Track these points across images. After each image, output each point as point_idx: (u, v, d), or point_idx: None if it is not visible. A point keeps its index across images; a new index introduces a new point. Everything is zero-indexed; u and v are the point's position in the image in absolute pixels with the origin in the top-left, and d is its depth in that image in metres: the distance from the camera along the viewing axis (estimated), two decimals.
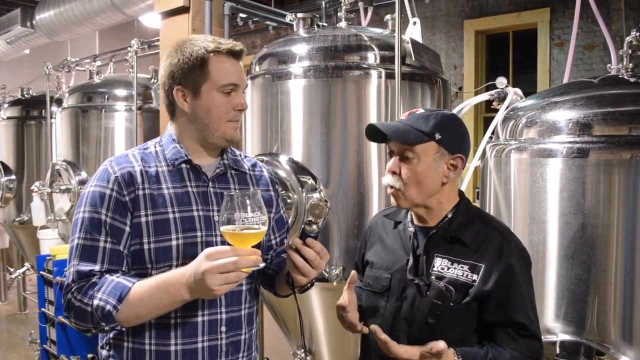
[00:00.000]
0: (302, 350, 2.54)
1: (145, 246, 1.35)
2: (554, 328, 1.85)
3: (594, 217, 1.79)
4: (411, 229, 1.52)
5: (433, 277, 1.42)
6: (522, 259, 1.43)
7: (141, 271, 1.37)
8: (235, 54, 1.42)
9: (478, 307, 1.39)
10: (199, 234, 1.39)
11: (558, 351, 1.81)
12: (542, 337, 1.81)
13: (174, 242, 1.36)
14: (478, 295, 1.38)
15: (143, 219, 1.36)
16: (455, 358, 1.32)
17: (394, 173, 1.46)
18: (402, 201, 1.47)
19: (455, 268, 1.41)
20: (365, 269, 1.63)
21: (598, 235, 1.78)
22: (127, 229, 1.35)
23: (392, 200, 1.49)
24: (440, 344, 1.28)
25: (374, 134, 1.51)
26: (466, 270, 1.40)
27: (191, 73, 1.38)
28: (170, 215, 1.37)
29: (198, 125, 1.42)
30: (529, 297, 1.41)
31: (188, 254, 1.35)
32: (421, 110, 1.49)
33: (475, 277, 1.38)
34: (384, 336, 1.35)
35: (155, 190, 1.38)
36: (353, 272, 1.48)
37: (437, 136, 1.42)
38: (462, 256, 1.42)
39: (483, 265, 1.39)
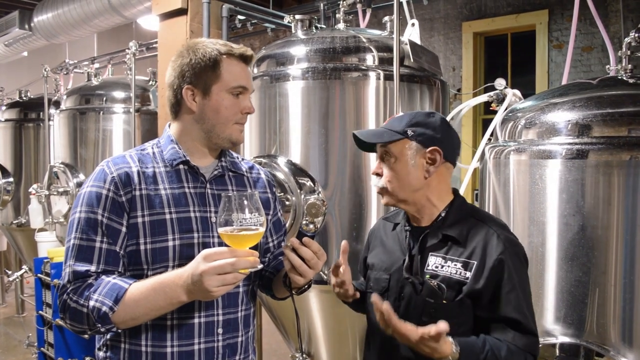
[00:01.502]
0: (301, 352, 2.53)
1: (142, 247, 1.35)
2: (554, 330, 1.84)
3: (593, 218, 1.78)
4: (407, 228, 1.55)
5: (427, 276, 1.43)
6: (515, 254, 1.43)
7: (137, 272, 1.36)
8: (246, 59, 1.45)
9: (472, 304, 1.39)
10: (195, 235, 1.38)
11: (558, 353, 1.81)
12: (542, 339, 1.81)
13: (170, 243, 1.36)
14: (470, 292, 1.38)
15: (139, 220, 1.35)
16: (453, 346, 1.29)
17: (377, 175, 1.53)
18: (387, 198, 1.53)
19: (448, 266, 1.42)
20: (366, 273, 1.65)
21: (597, 236, 1.78)
22: (124, 229, 1.35)
23: (382, 198, 1.55)
24: (441, 326, 1.23)
25: (362, 143, 1.57)
26: (459, 268, 1.41)
27: (203, 73, 1.40)
28: (167, 216, 1.37)
29: (205, 125, 1.43)
30: (522, 292, 1.40)
31: (184, 255, 1.35)
32: (401, 114, 1.57)
33: (468, 274, 1.39)
34: (385, 307, 1.29)
35: (152, 191, 1.38)
36: (344, 242, 1.51)
37: (409, 132, 1.47)
38: (455, 254, 1.43)
39: (475, 262, 1.39)
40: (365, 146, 1.58)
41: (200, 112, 1.42)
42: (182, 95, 1.42)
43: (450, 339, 1.30)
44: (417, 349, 1.27)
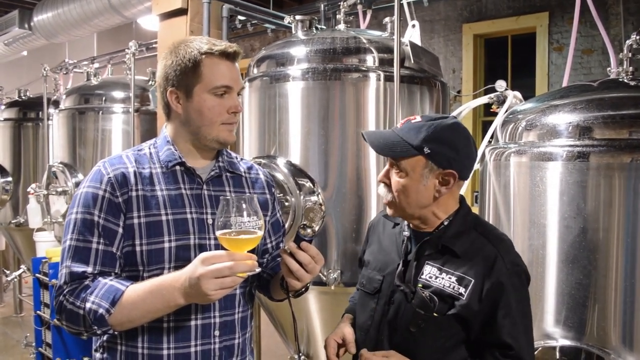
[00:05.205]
0: (299, 354, 2.52)
1: (138, 248, 1.34)
2: (554, 333, 1.83)
3: (594, 221, 1.77)
4: (406, 232, 1.49)
5: (419, 285, 1.37)
6: (517, 275, 1.36)
7: (133, 273, 1.35)
8: (229, 56, 1.39)
9: (463, 322, 1.34)
10: (191, 236, 1.37)
11: (558, 356, 1.80)
12: (542, 342, 1.81)
13: (166, 245, 1.34)
14: (464, 310, 1.32)
15: (136, 221, 1.34)
16: None
17: (384, 183, 1.43)
18: (394, 211, 1.45)
19: (442, 278, 1.36)
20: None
21: (598, 239, 1.77)
22: (120, 230, 1.34)
23: (387, 209, 1.47)
24: None
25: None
26: (453, 282, 1.34)
27: (184, 75, 1.37)
28: (163, 218, 1.36)
29: (191, 128, 1.40)
30: (521, 316, 1.34)
31: (180, 257, 1.34)
32: (418, 119, 1.41)
33: (462, 289, 1.33)
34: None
35: (148, 192, 1.37)
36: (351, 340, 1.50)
37: (426, 150, 1.35)
38: (452, 267, 1.37)
39: (473, 280, 1.33)
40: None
41: (186, 114, 1.39)
42: (168, 98, 1.40)
43: None
44: None
